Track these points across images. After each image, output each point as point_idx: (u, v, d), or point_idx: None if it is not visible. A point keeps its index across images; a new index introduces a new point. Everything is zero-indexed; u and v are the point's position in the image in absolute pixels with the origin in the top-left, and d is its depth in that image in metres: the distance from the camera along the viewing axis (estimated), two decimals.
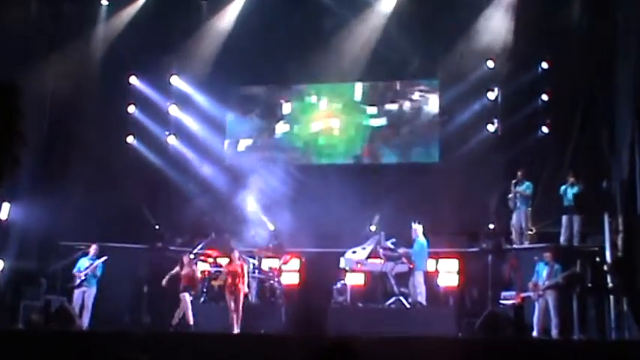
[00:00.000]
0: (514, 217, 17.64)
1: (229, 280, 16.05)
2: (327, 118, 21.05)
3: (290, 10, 19.97)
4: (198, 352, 12.42)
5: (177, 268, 16.70)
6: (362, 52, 19.95)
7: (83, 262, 16.70)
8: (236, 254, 16.43)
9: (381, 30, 19.91)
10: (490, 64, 19.22)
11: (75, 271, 16.63)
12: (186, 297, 16.26)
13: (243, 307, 15.89)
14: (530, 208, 17.58)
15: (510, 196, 17.56)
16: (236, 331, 15.46)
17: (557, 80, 18.56)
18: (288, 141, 21.18)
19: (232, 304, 15.82)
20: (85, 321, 16.22)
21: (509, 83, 19.08)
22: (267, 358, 12.07)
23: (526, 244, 17.40)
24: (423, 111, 20.46)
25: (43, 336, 13.92)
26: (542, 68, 18.90)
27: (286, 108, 21.35)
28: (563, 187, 16.93)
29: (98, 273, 16.63)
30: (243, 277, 16.11)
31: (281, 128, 21.29)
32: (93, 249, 16.83)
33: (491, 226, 18.13)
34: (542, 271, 15.52)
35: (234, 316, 15.74)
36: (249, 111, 21.52)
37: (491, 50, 19.06)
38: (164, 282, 16.58)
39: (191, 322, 16.03)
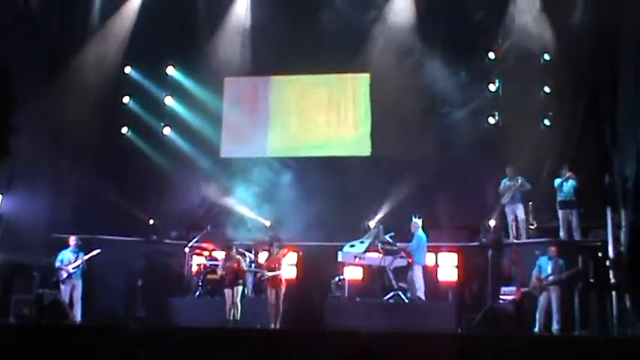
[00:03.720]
0: (507, 211, 17.55)
1: (270, 274, 15.84)
2: (327, 109, 20.69)
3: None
4: (193, 346, 12.25)
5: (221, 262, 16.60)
6: (359, 42, 19.65)
7: (66, 255, 16.48)
8: (275, 247, 16.21)
9: (379, 19, 19.66)
10: (492, 55, 18.96)
11: (58, 264, 16.40)
12: (231, 292, 15.97)
13: (284, 300, 15.69)
14: (531, 203, 17.42)
15: (501, 189, 17.37)
16: (276, 326, 15.26)
17: (559, 72, 18.31)
18: (286, 133, 20.84)
19: (273, 298, 15.63)
20: (77, 315, 16.02)
21: (511, 75, 18.79)
22: (263, 353, 11.91)
23: (525, 239, 17.24)
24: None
25: (35, 330, 13.75)
26: (544, 60, 18.62)
27: (284, 98, 20.99)
28: (558, 181, 16.83)
29: (82, 266, 16.44)
30: (280, 268, 15.95)
31: (280, 119, 20.94)
32: (73, 240, 16.63)
33: (492, 223, 17.88)
34: (547, 266, 15.34)
35: (274, 311, 15.54)
36: (246, 102, 21.14)
37: (494, 41, 18.80)
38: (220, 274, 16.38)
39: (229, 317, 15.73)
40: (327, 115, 20.62)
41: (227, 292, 15.93)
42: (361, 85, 20.46)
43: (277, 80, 21.10)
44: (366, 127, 20.32)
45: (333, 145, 20.45)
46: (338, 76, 20.68)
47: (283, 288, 15.77)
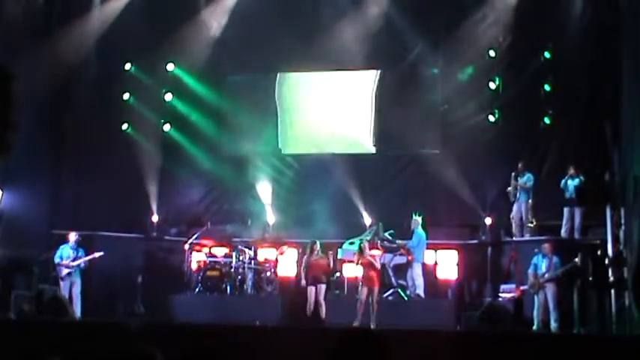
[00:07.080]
0: (514, 208, 17.55)
1: (364, 272, 15.51)
2: (326, 106, 20.59)
3: None
4: (192, 343, 12.23)
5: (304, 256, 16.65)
6: (360, 40, 19.54)
7: (65, 251, 16.50)
8: (366, 245, 15.86)
9: (380, 17, 19.55)
10: (492, 53, 18.90)
11: (57, 260, 16.43)
12: (313, 290, 15.97)
13: (379, 299, 15.47)
14: (530, 200, 17.43)
15: (510, 188, 17.44)
16: (374, 324, 14.89)
17: (560, 70, 18.30)
18: (287, 130, 20.76)
19: (363, 297, 15.30)
20: (77, 311, 16.03)
21: (512, 73, 18.75)
22: (262, 350, 11.90)
23: (526, 237, 17.26)
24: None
25: (35, 326, 13.74)
26: (545, 57, 18.57)
27: (284, 96, 20.85)
28: (563, 180, 16.83)
29: (83, 265, 16.47)
30: (377, 268, 15.61)
31: (279, 117, 20.83)
32: (73, 236, 16.64)
33: (488, 220, 17.87)
34: (541, 264, 15.40)
35: (363, 309, 15.21)
36: (246, 99, 21.05)
37: (494, 39, 18.75)
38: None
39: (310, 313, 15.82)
40: (331, 112, 20.50)
41: (310, 289, 15.96)
42: (364, 83, 20.34)
43: (278, 76, 20.87)
44: (369, 125, 20.17)
45: (336, 143, 20.31)
46: (336, 73, 20.54)
47: (377, 288, 15.46)
